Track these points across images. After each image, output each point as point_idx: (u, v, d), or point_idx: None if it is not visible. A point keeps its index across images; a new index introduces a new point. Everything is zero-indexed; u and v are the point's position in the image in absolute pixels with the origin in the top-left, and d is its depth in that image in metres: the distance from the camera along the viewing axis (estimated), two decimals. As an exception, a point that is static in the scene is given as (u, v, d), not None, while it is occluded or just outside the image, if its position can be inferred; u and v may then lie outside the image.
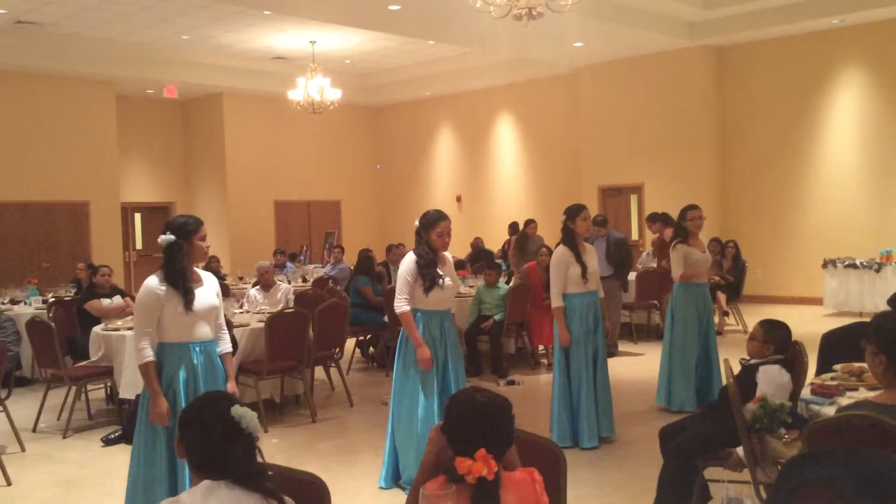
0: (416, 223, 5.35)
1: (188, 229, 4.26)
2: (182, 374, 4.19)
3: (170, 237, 4.22)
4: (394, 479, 5.42)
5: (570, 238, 6.19)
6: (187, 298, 4.17)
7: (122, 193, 16.65)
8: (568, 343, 6.08)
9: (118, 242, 16.41)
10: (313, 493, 2.54)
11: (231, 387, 4.39)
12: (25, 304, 10.10)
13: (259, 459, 2.42)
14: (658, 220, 11.25)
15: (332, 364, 8.17)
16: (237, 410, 2.31)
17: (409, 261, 5.28)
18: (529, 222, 12.09)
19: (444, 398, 5.20)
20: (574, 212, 6.23)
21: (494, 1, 6.99)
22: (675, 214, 7.73)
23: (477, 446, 2.30)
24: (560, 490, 2.74)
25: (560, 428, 6.16)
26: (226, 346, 4.49)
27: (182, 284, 4.18)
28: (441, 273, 5.27)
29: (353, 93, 17.84)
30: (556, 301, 6.14)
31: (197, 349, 4.25)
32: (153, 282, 4.21)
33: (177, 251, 4.21)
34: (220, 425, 2.28)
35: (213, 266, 13.12)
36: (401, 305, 5.23)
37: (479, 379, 8.85)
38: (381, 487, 5.42)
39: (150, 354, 4.15)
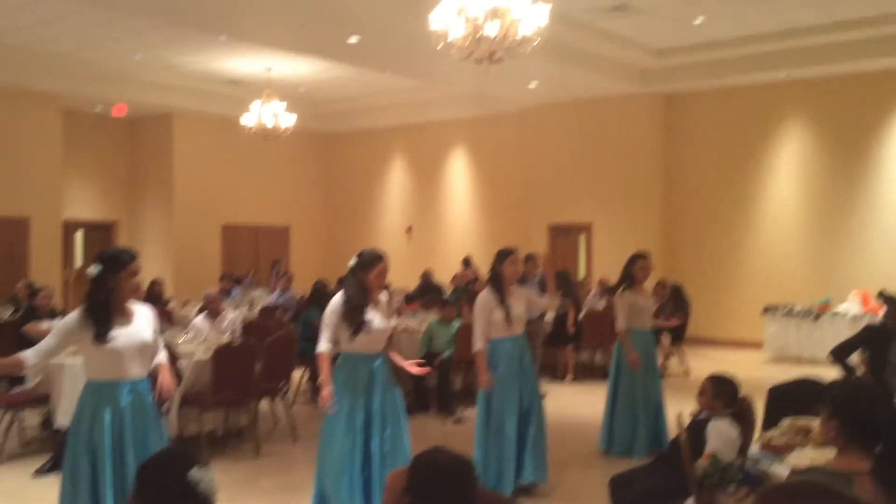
0: (352, 261, 5.28)
1: (119, 262, 4.08)
2: (108, 415, 3.99)
3: (97, 268, 4.06)
4: None
5: (496, 281, 6.11)
6: (99, 332, 3.98)
7: (65, 210, 16.27)
8: (488, 387, 5.98)
9: (58, 260, 15.98)
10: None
11: (166, 381, 4.27)
12: (-41, 323, 9.75)
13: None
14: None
15: (278, 396, 8.05)
16: (195, 474, 2.25)
17: (335, 303, 5.20)
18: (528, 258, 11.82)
19: (371, 445, 5.14)
20: (502, 255, 6.12)
21: (455, 44, 7.05)
22: (622, 255, 7.79)
23: None
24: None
25: (485, 472, 6.00)
26: (161, 357, 4.37)
27: (99, 318, 4.01)
28: (368, 318, 5.16)
29: (307, 119, 17.77)
30: (476, 344, 6.04)
31: (125, 389, 4.05)
32: (75, 312, 4.07)
33: (102, 284, 4.04)
34: (176, 489, 2.22)
35: (155, 290, 12.87)
36: (320, 346, 5.16)
37: (425, 415, 8.81)
38: None
39: (29, 358, 3.99)
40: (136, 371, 4.11)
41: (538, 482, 6.14)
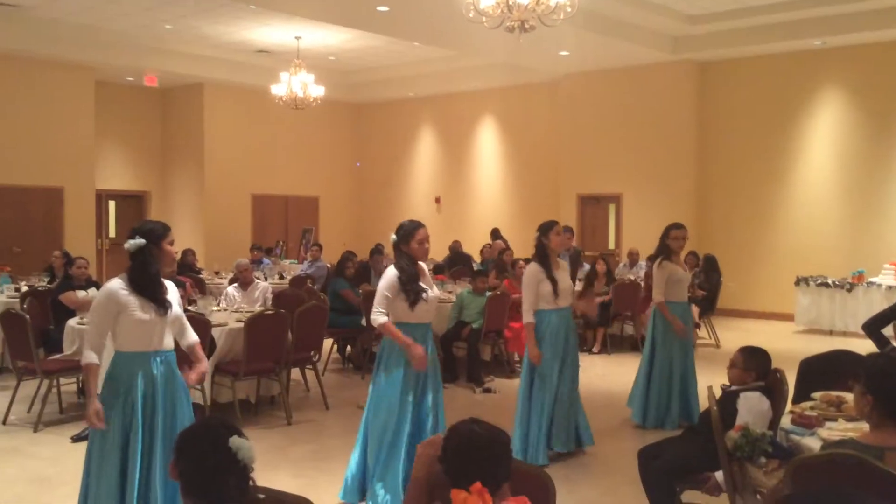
0: (393, 237, 5.28)
1: (157, 233, 4.16)
2: (140, 385, 4.05)
3: (139, 241, 4.10)
4: (359, 492, 5.25)
5: (542, 254, 6.14)
6: (162, 306, 4.08)
7: (97, 180, 16.45)
8: (538, 361, 6.04)
9: (91, 230, 16.20)
10: (304, 517, 2.53)
11: (202, 367, 4.32)
12: (-3, 291, 9.95)
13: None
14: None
15: (309, 366, 8.15)
16: (235, 442, 2.29)
17: (390, 276, 5.20)
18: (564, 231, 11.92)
19: (420, 411, 5.18)
20: (547, 227, 6.16)
21: (487, 12, 6.99)
22: (652, 226, 7.71)
23: (473, 479, 2.30)
24: (549, 519, 2.76)
25: (525, 441, 6.12)
26: (193, 337, 4.42)
27: (152, 290, 4.09)
28: (423, 286, 5.22)
29: (336, 89, 17.77)
30: (526, 317, 6.09)
31: (157, 359, 4.12)
32: (116, 285, 4.08)
33: (147, 255, 4.11)
34: (216, 456, 2.26)
35: (188, 260, 13.02)
36: (378, 318, 5.14)
37: (454, 385, 8.86)
38: (342, 501, 5.28)
39: (95, 358, 4.04)
40: (168, 342, 4.18)
41: (579, 448, 6.29)
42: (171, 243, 4.23)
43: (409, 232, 5.22)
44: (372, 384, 5.32)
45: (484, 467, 2.37)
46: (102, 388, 4.12)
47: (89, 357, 4.06)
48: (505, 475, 2.44)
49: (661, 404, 7.14)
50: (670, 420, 7.08)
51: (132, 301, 4.04)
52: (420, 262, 5.34)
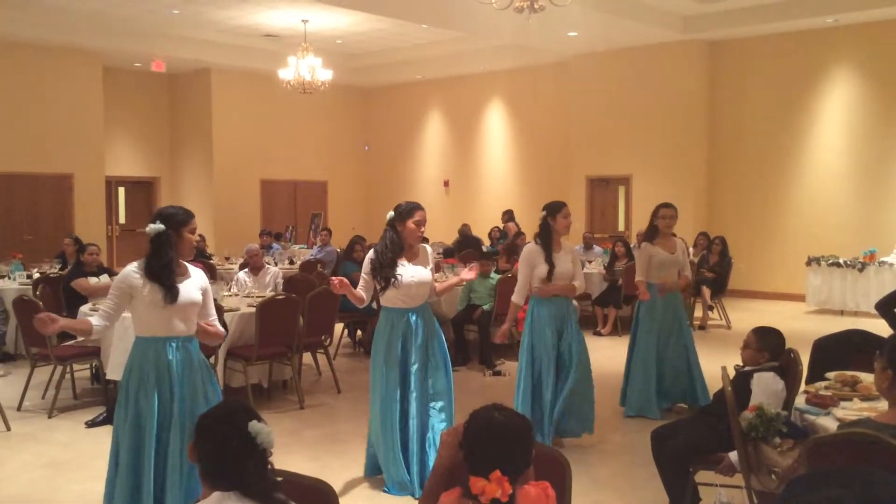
0: (391, 214, 5.20)
1: (178, 220, 4.11)
2: (154, 370, 4.05)
3: (159, 226, 4.06)
4: (375, 468, 5.39)
5: (546, 235, 6.00)
6: (170, 293, 4.01)
7: (107, 167, 16.48)
8: (502, 340, 6.42)
9: (101, 216, 16.26)
10: (321, 499, 2.54)
11: (214, 330, 4.31)
12: (10, 278, 9.99)
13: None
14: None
15: (321, 350, 8.17)
16: (254, 426, 2.29)
17: (368, 257, 5.22)
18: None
19: (412, 397, 5.18)
20: (555, 209, 5.98)
21: (496, -8, 6.95)
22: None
23: (492, 467, 2.29)
24: (564, 500, 2.76)
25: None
26: (213, 318, 4.36)
27: (165, 277, 4.02)
28: (398, 273, 5.11)
29: (344, 73, 17.71)
30: (515, 296, 6.03)
31: (174, 345, 4.09)
32: (131, 269, 4.08)
33: (165, 242, 4.05)
34: (236, 440, 2.27)
35: (198, 245, 13.03)
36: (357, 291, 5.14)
37: (466, 368, 8.88)
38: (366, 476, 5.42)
39: (95, 320, 4.08)
40: (184, 328, 4.14)
41: (574, 436, 6.16)
42: (193, 231, 4.17)
43: (408, 211, 5.16)
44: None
45: (504, 455, 2.34)
46: (124, 373, 4.16)
47: (94, 322, 4.08)
48: (526, 462, 2.41)
49: (640, 392, 6.91)
50: (651, 409, 6.82)
51: (144, 286, 4.03)
52: (424, 245, 5.32)
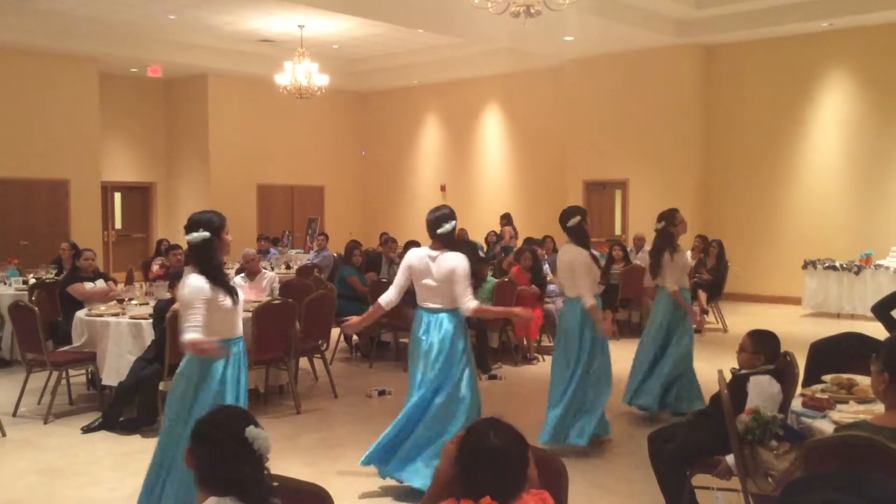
0: (447, 227, 5.26)
1: (216, 224, 4.30)
2: (229, 370, 4.23)
3: (204, 234, 4.23)
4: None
5: (585, 239, 6.24)
6: (233, 294, 4.24)
7: (103, 172, 16.46)
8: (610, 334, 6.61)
9: (98, 221, 16.23)
10: (317, 504, 2.54)
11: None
12: (6, 284, 9.96)
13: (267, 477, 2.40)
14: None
15: (317, 355, 8.16)
16: (251, 432, 2.29)
17: (467, 262, 5.24)
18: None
19: (429, 395, 5.23)
20: (583, 214, 6.30)
21: (492, -3, 6.96)
22: (658, 211, 7.44)
23: (484, 491, 2.26)
24: (561, 504, 2.76)
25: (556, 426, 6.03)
26: None
27: (223, 280, 4.25)
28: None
29: (340, 78, 17.73)
30: (588, 301, 6.01)
31: (239, 344, 4.34)
32: (197, 279, 4.17)
33: (210, 247, 4.24)
34: (233, 445, 2.26)
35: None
36: (470, 303, 5.15)
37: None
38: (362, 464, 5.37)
39: (197, 334, 4.06)
40: (241, 328, 4.39)
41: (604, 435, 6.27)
42: (228, 232, 4.38)
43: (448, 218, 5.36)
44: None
45: (496, 480, 2.29)
46: (177, 382, 4.23)
47: (190, 336, 4.05)
48: (520, 485, 2.35)
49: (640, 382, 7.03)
50: (642, 400, 6.95)
51: (215, 291, 4.18)
52: None
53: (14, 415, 7.20)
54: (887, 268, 12.07)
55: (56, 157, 15.23)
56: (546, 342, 10.07)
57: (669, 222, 7.06)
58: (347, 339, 10.33)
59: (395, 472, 5.22)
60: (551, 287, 9.99)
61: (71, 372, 7.62)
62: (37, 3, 13.45)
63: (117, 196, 18.21)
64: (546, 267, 10.53)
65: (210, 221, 4.28)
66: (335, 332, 9.16)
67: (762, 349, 4.52)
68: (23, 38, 14.15)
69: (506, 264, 10.31)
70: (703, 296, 11.47)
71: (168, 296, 7.00)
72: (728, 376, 4.41)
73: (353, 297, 9.62)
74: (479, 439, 2.35)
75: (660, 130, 14.98)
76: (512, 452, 2.34)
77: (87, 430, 6.71)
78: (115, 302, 7.89)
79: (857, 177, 13.58)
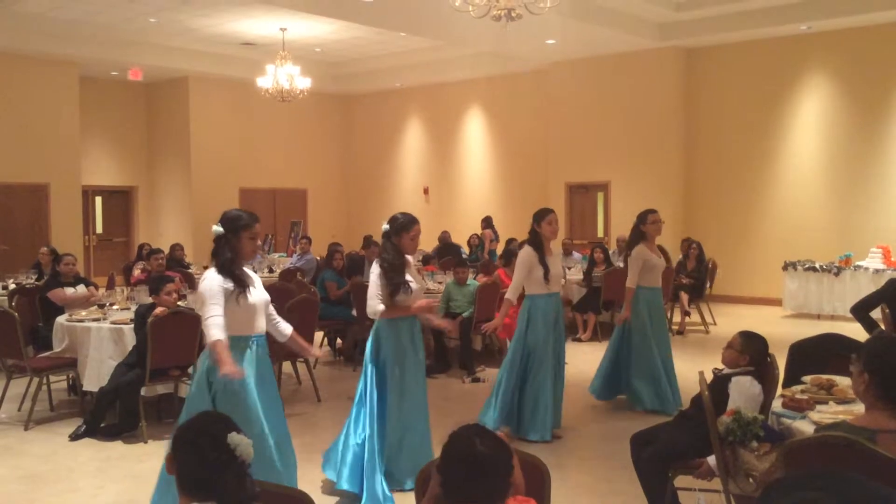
0: (386, 226, 5.27)
1: (238, 224, 4.26)
2: (245, 367, 4.19)
3: (219, 228, 4.24)
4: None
5: (536, 240, 6.40)
6: (242, 290, 4.17)
7: (84, 176, 16.35)
8: (493, 331, 6.71)
9: (78, 226, 16.11)
10: (300, 510, 2.53)
11: (316, 352, 5.05)
12: (-15, 289, 9.87)
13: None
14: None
15: (301, 359, 8.13)
16: (233, 438, 2.28)
17: (377, 270, 5.21)
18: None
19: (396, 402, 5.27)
20: (540, 216, 6.43)
21: (473, 1, 6.97)
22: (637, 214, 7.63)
23: (467, 499, 2.24)
24: (543, 506, 2.77)
25: (500, 416, 6.31)
26: (288, 327, 4.64)
27: (234, 275, 4.18)
28: (408, 278, 5.24)
29: (323, 81, 17.70)
30: (509, 293, 6.41)
31: (256, 342, 4.27)
32: (210, 275, 4.19)
33: (222, 244, 4.22)
34: (214, 452, 2.25)
35: (177, 255, 12.96)
36: (377, 306, 5.13)
37: (445, 375, 8.89)
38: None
39: (220, 334, 4.00)
40: (262, 326, 4.33)
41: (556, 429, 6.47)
42: (254, 237, 4.30)
43: (404, 225, 5.24)
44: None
45: (478, 487, 2.27)
46: (201, 373, 4.19)
47: (216, 335, 3.99)
48: (504, 492, 2.34)
49: (648, 386, 7.22)
50: (666, 403, 7.10)
51: (232, 286, 4.15)
52: (407, 256, 5.36)
53: (-6, 421, 7.14)
54: (867, 269, 12.18)
55: (36, 160, 15.11)
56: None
57: (641, 221, 7.33)
58: (331, 342, 10.32)
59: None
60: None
61: (52, 378, 7.56)
62: (16, 6, 13.35)
63: (98, 200, 18.09)
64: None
65: (231, 219, 4.28)
66: (318, 335, 9.15)
67: (749, 350, 4.52)
68: (2, 41, 14.03)
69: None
70: (684, 297, 11.53)
71: (150, 300, 6.95)
72: (709, 377, 4.44)
73: (335, 301, 9.62)
74: (464, 449, 2.31)
75: (641, 133, 15.05)
76: (497, 461, 2.31)
77: (75, 437, 6.61)
78: (96, 307, 7.84)
79: (837, 178, 13.70)
